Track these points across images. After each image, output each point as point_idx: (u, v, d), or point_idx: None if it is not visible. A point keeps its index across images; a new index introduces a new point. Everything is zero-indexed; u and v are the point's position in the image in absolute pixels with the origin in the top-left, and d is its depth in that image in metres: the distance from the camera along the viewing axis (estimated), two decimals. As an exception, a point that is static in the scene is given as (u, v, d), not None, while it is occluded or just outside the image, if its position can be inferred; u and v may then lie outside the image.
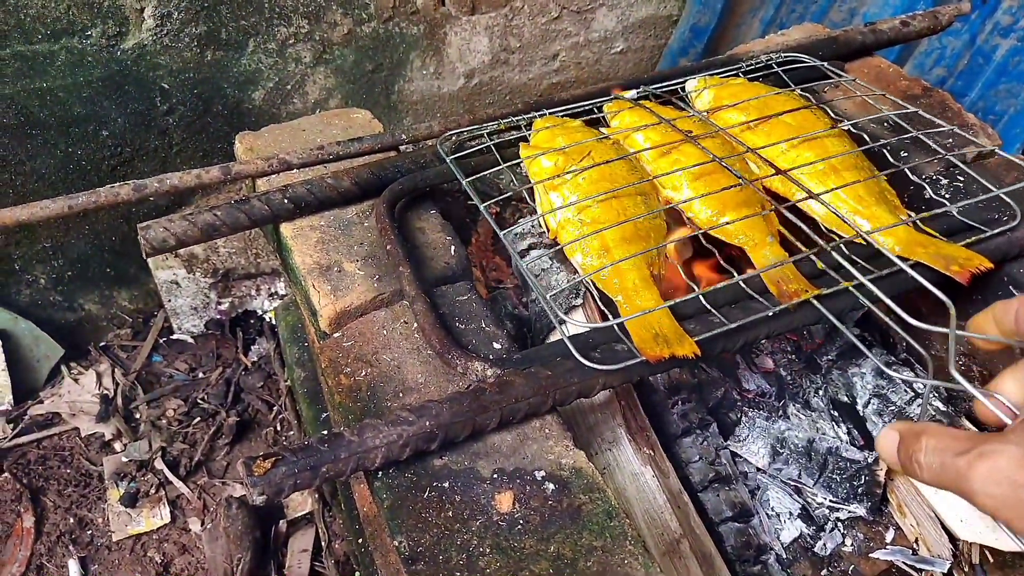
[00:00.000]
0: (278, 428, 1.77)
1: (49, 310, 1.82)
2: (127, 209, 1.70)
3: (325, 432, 0.85)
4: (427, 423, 0.85)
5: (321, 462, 0.81)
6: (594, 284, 0.99)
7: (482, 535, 0.81)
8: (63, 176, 1.64)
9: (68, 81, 1.55)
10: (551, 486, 0.85)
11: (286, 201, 1.13)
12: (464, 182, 1.11)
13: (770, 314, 0.93)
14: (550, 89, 1.99)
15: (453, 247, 1.14)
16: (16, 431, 1.73)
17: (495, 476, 0.86)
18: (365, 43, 1.73)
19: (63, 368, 1.83)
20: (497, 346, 0.99)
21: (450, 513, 0.83)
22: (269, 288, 1.91)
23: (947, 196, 1.19)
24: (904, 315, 0.86)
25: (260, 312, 1.93)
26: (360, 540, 1.28)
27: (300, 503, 1.62)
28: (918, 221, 1.07)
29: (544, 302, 0.95)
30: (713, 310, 0.95)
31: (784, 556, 1.14)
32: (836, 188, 1.05)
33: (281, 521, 1.57)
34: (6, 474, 1.67)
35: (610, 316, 0.95)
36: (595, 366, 0.89)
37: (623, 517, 0.83)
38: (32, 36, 1.49)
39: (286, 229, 1.14)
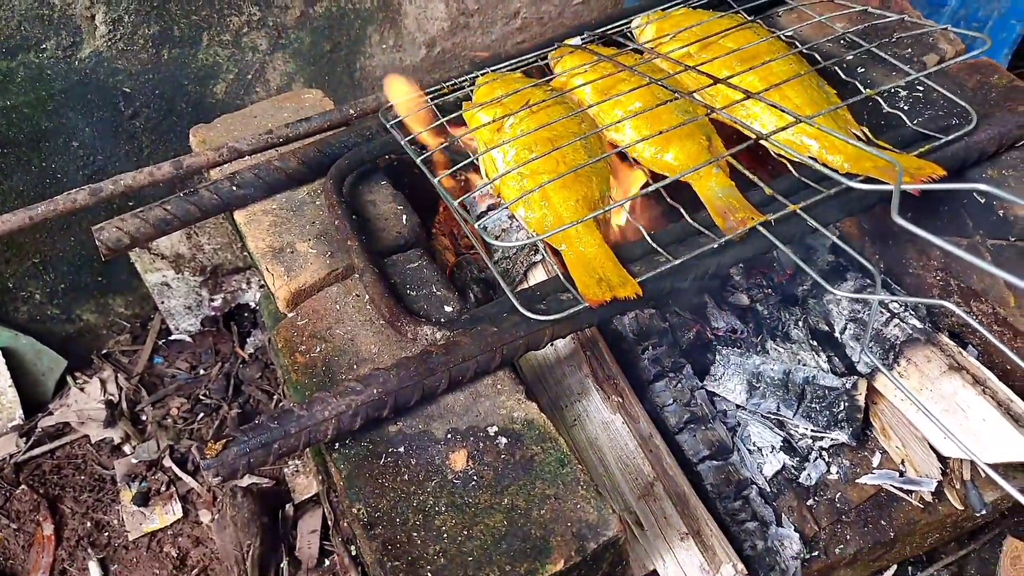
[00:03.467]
0: (280, 415, 1.79)
1: (48, 324, 1.86)
2: (106, 215, 1.71)
3: (274, 411, 0.86)
4: (375, 391, 0.85)
5: (272, 439, 0.82)
6: (537, 235, 0.98)
7: (437, 495, 0.82)
8: (40, 191, 1.66)
9: (31, 96, 1.56)
10: (504, 440, 0.85)
11: (235, 188, 1.13)
12: (404, 144, 1.10)
13: (715, 246, 0.92)
14: (514, 49, 1.96)
15: (405, 216, 1.13)
16: (29, 444, 1.78)
17: (449, 436, 0.87)
18: (319, 23, 1.71)
19: (68, 379, 1.87)
20: (448, 309, 0.99)
21: (406, 476, 0.84)
22: (259, 280, 1.93)
23: (905, 108, 1.15)
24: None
25: (252, 304, 1.95)
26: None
27: (305, 486, 1.65)
28: (869, 134, 1.04)
29: (492, 268, 0.95)
30: (660, 249, 0.93)
31: (768, 489, 1.13)
32: (772, 96, 1.03)
33: (288, 505, 1.60)
34: (23, 486, 1.72)
35: (555, 267, 0.94)
36: (539, 317, 0.88)
37: (575, 463, 0.83)
38: (-12, 56, 1.50)
39: (239, 216, 1.15)
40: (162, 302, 1.87)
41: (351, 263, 1.06)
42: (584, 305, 0.87)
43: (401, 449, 0.86)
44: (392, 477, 0.84)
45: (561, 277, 0.93)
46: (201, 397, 1.82)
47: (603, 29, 1.27)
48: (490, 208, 1.25)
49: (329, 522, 1.56)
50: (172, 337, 1.95)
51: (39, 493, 1.70)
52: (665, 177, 1.01)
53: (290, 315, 1.03)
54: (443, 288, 1.02)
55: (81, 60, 1.57)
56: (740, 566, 0.98)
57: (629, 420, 1.06)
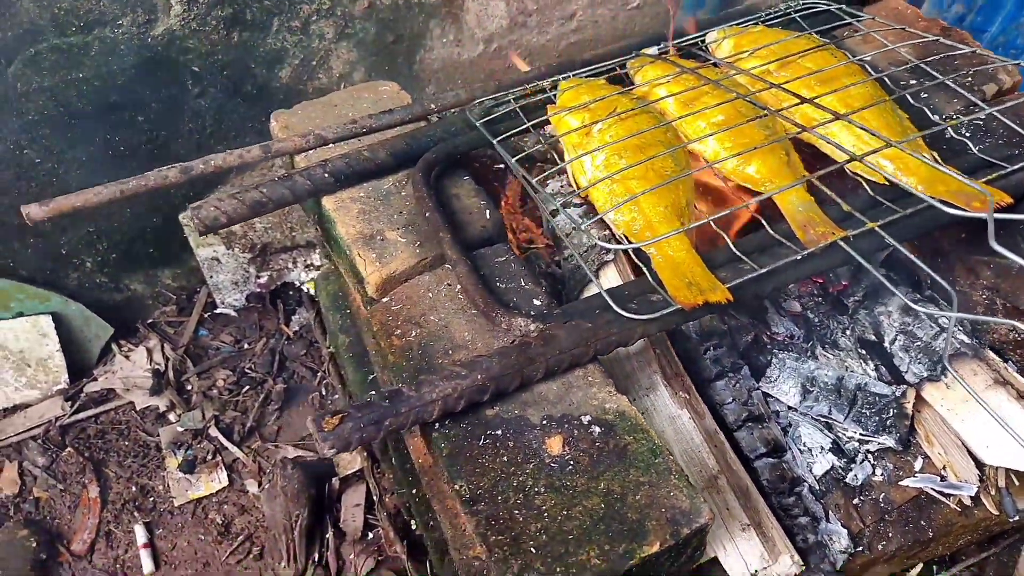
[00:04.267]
0: (323, 392, 1.85)
1: (97, 292, 1.89)
2: (166, 191, 1.75)
3: (384, 391, 0.91)
4: (479, 376, 0.91)
5: (384, 416, 0.88)
6: (627, 239, 1.04)
7: (536, 476, 0.87)
8: (103, 163, 1.70)
9: (103, 70, 1.60)
10: (597, 429, 0.91)
11: (326, 175, 1.18)
12: (496, 143, 1.15)
13: (798, 258, 0.97)
14: (568, 49, 2.01)
15: (488, 211, 1.19)
16: (74, 408, 1.82)
17: (544, 422, 0.92)
18: (385, 15, 1.75)
19: (113, 346, 1.91)
20: (537, 302, 1.05)
21: (505, 458, 0.89)
22: (305, 260, 1.97)
23: (967, 135, 1.21)
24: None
25: (298, 283, 1.99)
26: (415, 491, 1.35)
27: (350, 461, 1.70)
28: (938, 159, 1.10)
29: (585, 267, 1.00)
30: (744, 257, 0.99)
31: (817, 487, 1.19)
32: (855, 119, 1.08)
33: (333, 479, 1.65)
34: (69, 448, 1.77)
35: (644, 269, 1.00)
36: (633, 316, 0.94)
37: (667, 454, 0.89)
38: (66, 29, 1.54)
39: (328, 202, 1.20)
40: (211, 276, 1.91)
41: (440, 254, 1.11)
42: (676, 307, 0.93)
43: (499, 432, 0.92)
44: (491, 458, 0.90)
45: (650, 278, 0.98)
46: (247, 371, 1.87)
47: (680, 41, 1.33)
48: (563, 206, 1.30)
49: (374, 497, 1.61)
50: (217, 311, 1.99)
51: (84, 456, 1.75)
52: (745, 187, 1.07)
53: (384, 300, 1.08)
54: (531, 282, 1.07)
55: (154, 37, 1.61)
56: (796, 557, 1.05)
57: (695, 416, 1.12)
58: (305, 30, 1.71)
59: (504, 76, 1.93)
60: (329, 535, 1.57)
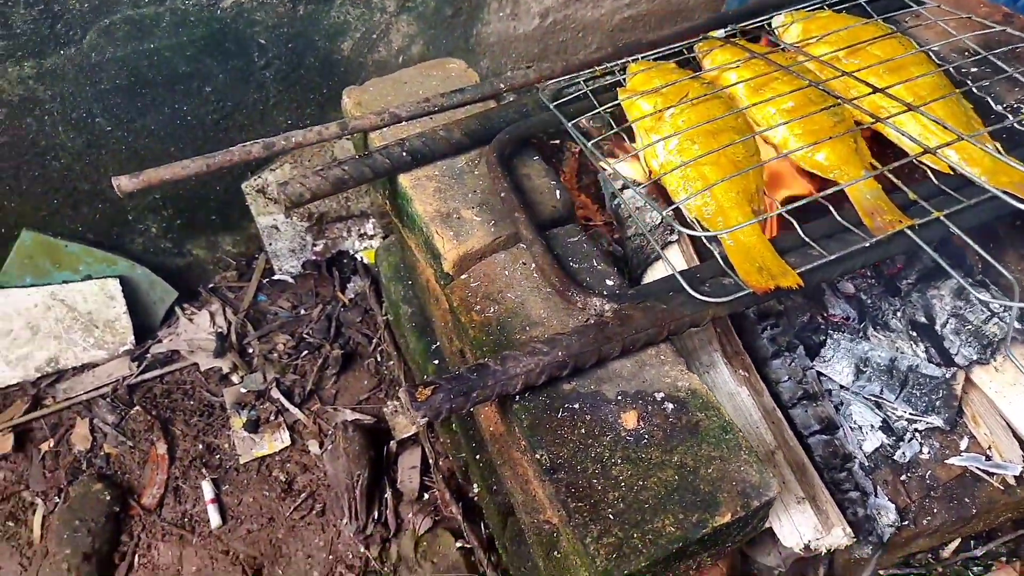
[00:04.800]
0: (378, 359, 1.92)
1: (161, 256, 1.97)
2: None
3: (440, 367, 0.97)
4: (559, 352, 0.96)
5: (472, 388, 0.93)
6: (698, 223, 1.08)
7: (613, 448, 0.93)
8: (171, 131, 1.76)
9: (173, 41, 1.65)
10: (670, 405, 0.96)
11: (404, 154, 1.22)
12: (569, 126, 1.19)
13: (866, 245, 1.01)
14: (621, 23, 2.03)
15: (558, 191, 1.23)
16: (141, 368, 1.90)
17: (619, 398, 0.98)
18: (444, -12, 1.79)
19: (177, 309, 1.99)
20: (610, 283, 1.09)
21: (582, 430, 0.95)
22: (359, 229, 2.03)
23: (1030, 124, 1.23)
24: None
25: (352, 252, 2.05)
26: (478, 456, 1.42)
27: (405, 425, 1.77)
28: (1001, 150, 1.12)
29: (659, 249, 1.05)
30: (813, 244, 1.03)
31: (867, 464, 1.25)
32: (925, 110, 1.11)
33: (391, 442, 1.73)
34: (137, 407, 1.85)
35: (714, 252, 1.04)
36: (706, 299, 0.99)
37: (737, 431, 0.94)
38: (140, 0, 1.58)
39: (404, 180, 1.24)
40: (270, 244, 1.98)
41: (514, 233, 1.15)
42: (748, 291, 0.97)
43: (576, 406, 0.97)
44: (569, 429, 0.95)
45: (720, 262, 1.03)
46: (305, 336, 1.94)
47: (745, 24, 1.35)
48: (624, 187, 1.34)
49: (429, 460, 1.68)
50: (275, 277, 2.06)
51: (152, 415, 1.84)
52: (814, 174, 1.11)
53: (463, 277, 1.13)
54: (603, 263, 1.12)
55: (223, 9, 1.65)
56: (848, 529, 1.10)
57: (754, 393, 1.17)
58: (367, 3, 1.74)
59: (559, 51, 1.96)
60: (388, 495, 1.65)
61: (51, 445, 1.80)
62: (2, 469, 1.77)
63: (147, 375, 1.91)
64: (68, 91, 1.62)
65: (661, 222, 1.23)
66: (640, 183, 1.29)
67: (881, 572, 1.35)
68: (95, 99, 1.67)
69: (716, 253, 1.03)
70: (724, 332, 1.22)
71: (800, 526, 1.10)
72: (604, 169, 1.10)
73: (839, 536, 1.10)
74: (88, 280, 1.88)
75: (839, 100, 1.08)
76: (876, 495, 1.22)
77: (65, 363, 1.91)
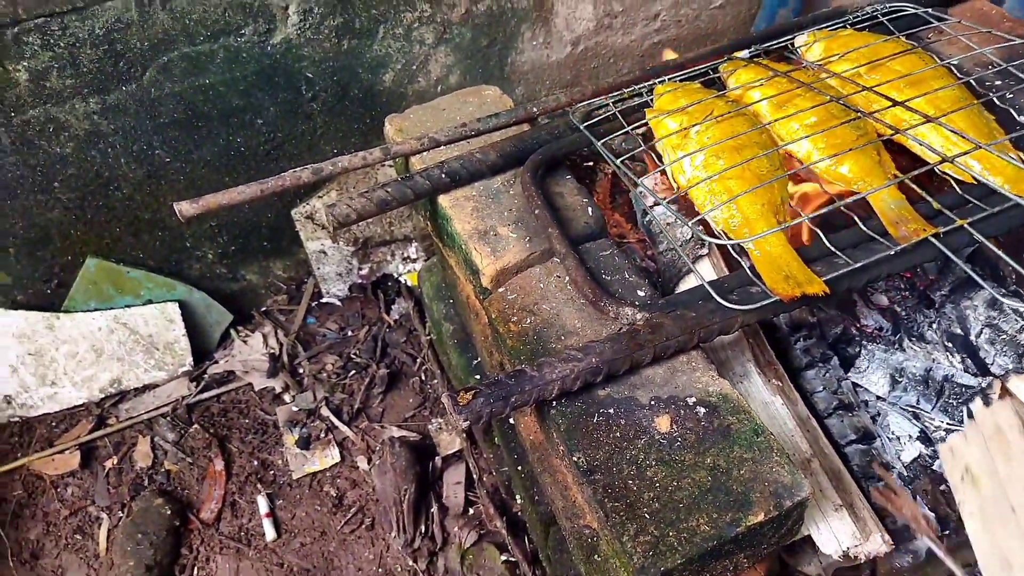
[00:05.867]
0: (423, 377, 1.98)
1: (216, 281, 2.07)
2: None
3: (510, 371, 1.01)
4: (593, 359, 1.00)
5: (511, 393, 0.98)
6: (726, 235, 1.12)
7: (647, 451, 0.97)
8: (225, 162, 1.86)
9: (227, 76, 1.75)
10: (702, 410, 1.00)
11: (443, 175, 1.29)
12: (599, 145, 1.24)
13: (891, 253, 1.04)
14: (651, 49, 2.08)
15: (590, 208, 1.28)
16: (199, 388, 2.00)
17: (652, 403, 1.01)
18: (480, 20, 1.86)
19: (232, 332, 2.08)
20: (641, 293, 1.14)
21: (617, 434, 0.99)
22: (402, 253, 2.10)
23: (1057, 134, 1.24)
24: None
25: (396, 275, 2.13)
26: (519, 467, 1.46)
27: (449, 442, 1.82)
28: (1026, 159, 1.14)
29: (687, 260, 1.08)
30: (838, 252, 1.06)
31: (905, 474, 1.25)
32: (946, 121, 1.13)
33: (436, 457, 1.78)
34: (195, 425, 1.94)
35: (743, 263, 1.07)
36: (734, 306, 1.02)
37: (768, 434, 0.97)
38: (195, 38, 1.69)
39: (444, 200, 1.31)
40: (318, 268, 2.06)
41: (548, 248, 1.20)
42: (775, 298, 1.01)
43: (611, 411, 1.01)
44: (605, 433, 0.99)
45: (748, 272, 1.06)
46: (352, 356, 2.01)
47: (768, 44, 1.39)
48: (655, 204, 1.38)
49: (473, 476, 1.73)
50: (323, 300, 2.14)
51: (210, 432, 1.92)
52: (838, 187, 1.14)
53: (500, 290, 1.18)
54: (634, 275, 1.16)
55: (273, 46, 1.75)
56: (887, 536, 1.11)
57: (788, 402, 1.20)
58: (407, 36, 1.83)
59: (591, 77, 2.02)
60: (434, 509, 1.70)
61: (115, 462, 1.89)
62: (70, 485, 1.87)
63: (205, 395, 1.99)
64: (130, 125, 1.73)
65: (691, 237, 1.27)
66: (669, 200, 1.33)
67: (926, 584, 1.35)
68: (155, 132, 1.78)
69: (744, 263, 1.07)
70: (756, 342, 1.25)
71: (838, 533, 1.11)
72: (634, 186, 1.15)
73: (878, 543, 1.11)
74: (149, 304, 1.98)
75: (860, 114, 1.12)
76: (916, 504, 1.23)
77: (128, 384, 2.01)
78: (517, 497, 1.60)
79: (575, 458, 0.98)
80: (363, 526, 1.72)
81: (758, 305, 1.02)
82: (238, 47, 1.73)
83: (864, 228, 1.09)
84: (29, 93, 1.62)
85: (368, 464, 1.80)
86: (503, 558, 1.62)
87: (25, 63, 1.57)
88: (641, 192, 1.39)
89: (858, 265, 1.03)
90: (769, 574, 1.22)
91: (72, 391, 1.98)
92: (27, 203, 1.77)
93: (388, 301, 2.12)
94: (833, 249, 1.07)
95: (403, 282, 2.13)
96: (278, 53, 1.76)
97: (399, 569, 1.66)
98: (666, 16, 2.04)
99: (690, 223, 1.09)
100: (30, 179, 1.73)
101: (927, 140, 1.15)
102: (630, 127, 1.26)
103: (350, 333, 2.08)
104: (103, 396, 2.00)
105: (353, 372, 1.98)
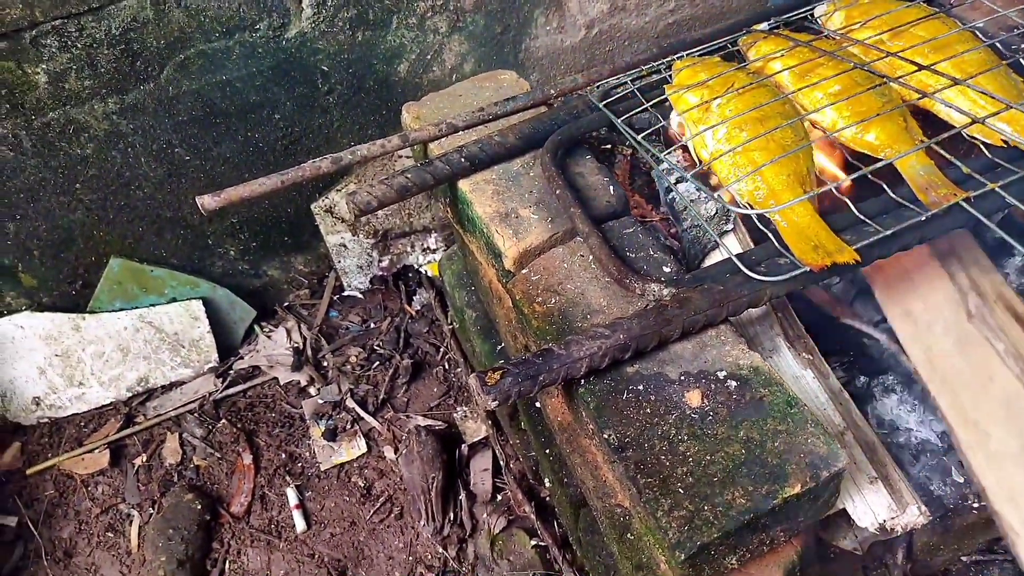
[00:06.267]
0: (446, 366, 1.98)
1: (238, 278, 2.07)
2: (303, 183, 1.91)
3: (536, 351, 1.01)
4: (621, 336, 0.99)
5: (539, 372, 0.97)
6: (751, 207, 1.10)
7: (679, 426, 0.96)
8: (244, 158, 1.86)
9: (243, 72, 1.75)
10: (733, 383, 0.99)
11: (463, 160, 1.28)
12: (619, 123, 1.23)
13: (922, 219, 1.02)
14: (666, 30, 2.06)
15: (611, 187, 1.27)
16: (225, 384, 2.01)
17: (682, 378, 1.00)
18: (493, 7, 1.85)
19: (256, 327, 2.09)
20: (667, 269, 1.12)
21: (648, 410, 0.98)
22: (422, 244, 2.10)
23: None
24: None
25: (417, 266, 2.13)
26: (547, 450, 1.46)
27: (475, 430, 1.82)
28: (1058, 120, 1.11)
29: (712, 233, 1.07)
30: (867, 220, 1.04)
31: (941, 445, 1.23)
32: (973, 83, 1.11)
33: (462, 445, 1.78)
34: (223, 420, 1.95)
35: (770, 236, 1.06)
36: (763, 278, 1.01)
37: (802, 405, 0.95)
38: (211, 35, 1.69)
39: (464, 185, 1.30)
40: (339, 261, 2.06)
41: (571, 228, 1.20)
42: (804, 269, 0.99)
43: (640, 387, 1.00)
44: (635, 409, 0.98)
45: (775, 243, 1.05)
46: (375, 348, 2.01)
47: (788, 16, 1.37)
48: (678, 181, 1.37)
49: (500, 463, 1.72)
50: (345, 293, 2.14)
51: (237, 427, 1.93)
52: (864, 154, 1.12)
53: (524, 271, 1.18)
54: (659, 251, 1.15)
55: (288, 40, 1.75)
56: (923, 507, 1.10)
57: (819, 375, 1.18)
58: (421, 26, 1.82)
59: (606, 61, 2.00)
60: (462, 497, 1.70)
61: (144, 460, 1.91)
62: (100, 484, 1.88)
63: (231, 390, 2.00)
64: (149, 124, 1.74)
65: (716, 212, 1.26)
66: (692, 176, 1.32)
67: (964, 558, 1.33)
68: (173, 130, 1.78)
69: (770, 234, 1.06)
70: (786, 317, 1.23)
71: (874, 505, 1.10)
72: (657, 163, 1.13)
73: (914, 514, 1.10)
74: (173, 302, 1.99)
75: (885, 79, 1.10)
76: (951, 476, 1.21)
77: (155, 382, 2.02)
78: (545, 481, 1.59)
79: (606, 435, 0.97)
80: (392, 515, 1.72)
81: (787, 276, 1.00)
82: (253, 42, 1.73)
83: (892, 195, 1.07)
84: (48, 95, 1.63)
85: (395, 454, 1.80)
86: (533, 543, 1.62)
87: (44, 65, 1.59)
88: (664, 169, 1.37)
89: (889, 232, 1.01)
90: (805, 549, 1.20)
91: (100, 391, 2.00)
92: (49, 205, 1.78)
93: (409, 292, 2.12)
94: (862, 217, 1.05)
95: (424, 272, 2.13)
96: (293, 47, 1.76)
97: (429, 557, 1.66)
98: (680, -4, 2.02)
99: (715, 195, 1.08)
100: (52, 181, 1.75)
101: (955, 103, 1.12)
102: (649, 104, 1.25)
103: (373, 325, 2.08)
104: (130, 395, 2.02)
105: (377, 363, 1.98)
